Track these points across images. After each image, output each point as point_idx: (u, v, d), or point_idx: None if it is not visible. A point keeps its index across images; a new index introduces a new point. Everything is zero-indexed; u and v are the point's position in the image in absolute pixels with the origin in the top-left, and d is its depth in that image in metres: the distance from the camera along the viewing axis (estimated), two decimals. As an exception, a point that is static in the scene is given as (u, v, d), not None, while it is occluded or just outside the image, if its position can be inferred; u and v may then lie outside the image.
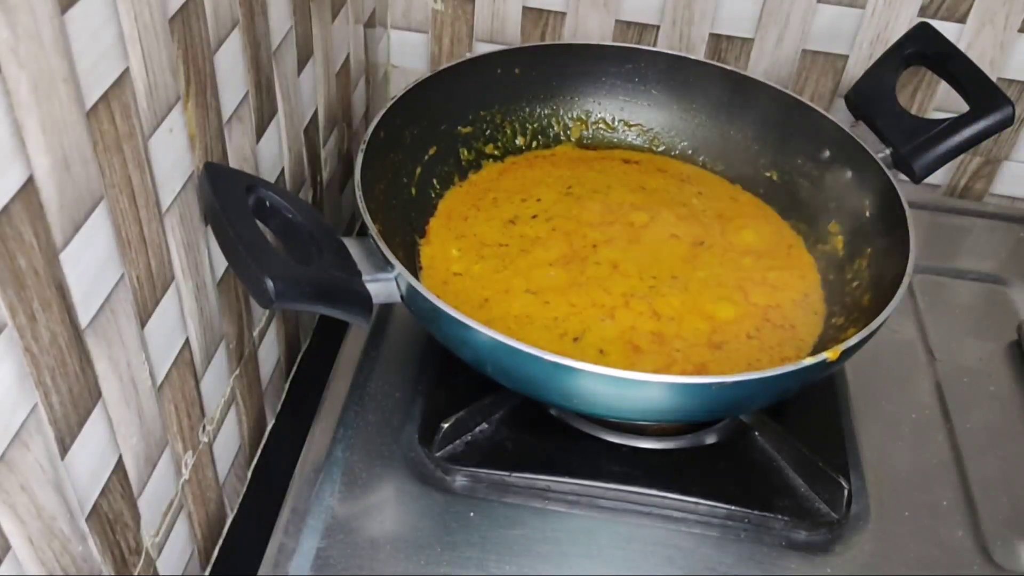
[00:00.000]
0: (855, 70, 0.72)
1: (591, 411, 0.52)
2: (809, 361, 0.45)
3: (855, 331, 0.47)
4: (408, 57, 0.79)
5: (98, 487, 0.38)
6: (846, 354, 0.46)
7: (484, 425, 0.54)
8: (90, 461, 0.37)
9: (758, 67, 0.74)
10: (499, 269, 0.58)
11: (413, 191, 0.61)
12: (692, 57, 0.67)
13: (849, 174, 0.60)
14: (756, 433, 0.54)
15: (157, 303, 0.41)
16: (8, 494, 0.32)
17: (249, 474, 0.58)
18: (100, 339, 0.36)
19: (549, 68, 0.67)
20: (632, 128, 0.69)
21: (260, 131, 0.50)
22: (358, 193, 0.51)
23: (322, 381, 0.58)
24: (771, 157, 0.65)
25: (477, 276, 0.58)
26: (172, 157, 0.40)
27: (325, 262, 0.46)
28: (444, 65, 0.62)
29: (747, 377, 0.44)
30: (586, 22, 0.74)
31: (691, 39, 0.73)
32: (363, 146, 0.54)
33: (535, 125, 0.68)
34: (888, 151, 0.59)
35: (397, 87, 0.80)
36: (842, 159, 0.61)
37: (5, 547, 0.32)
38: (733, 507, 0.51)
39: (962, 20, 0.69)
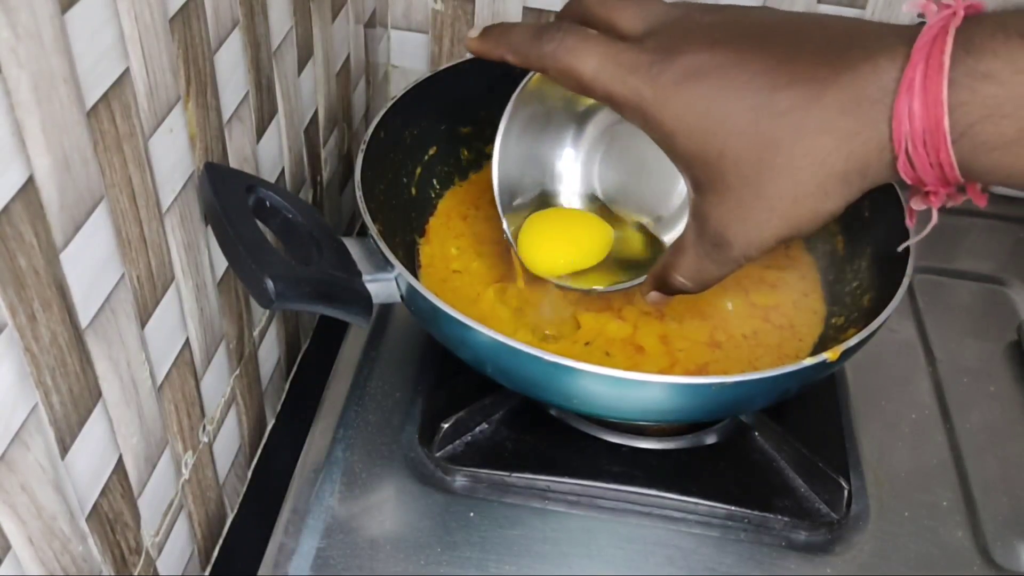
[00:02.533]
0: (855, 70, 0.72)
1: (591, 411, 0.52)
2: (809, 361, 0.45)
3: (855, 331, 0.47)
4: (408, 57, 0.79)
5: (98, 487, 0.38)
6: (846, 354, 0.46)
7: (484, 425, 0.54)
8: (90, 461, 0.37)
9: (758, 67, 0.73)
10: (497, 265, 0.58)
11: (413, 191, 0.61)
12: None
13: (849, 174, 0.60)
14: (756, 433, 0.54)
15: (157, 303, 0.41)
16: (8, 494, 0.32)
17: (249, 474, 0.58)
18: (100, 339, 0.36)
19: (549, 68, 0.67)
20: (632, 128, 0.69)
21: (260, 131, 0.50)
22: (358, 193, 0.51)
23: (322, 381, 0.58)
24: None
25: (476, 272, 0.58)
26: (172, 157, 0.40)
27: (325, 262, 0.46)
28: (444, 65, 0.62)
29: (747, 377, 0.44)
30: (586, 22, 0.73)
31: (691, 39, 0.73)
32: (363, 146, 0.54)
33: (535, 125, 0.68)
34: (888, 151, 0.59)
35: (397, 87, 0.80)
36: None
37: (5, 547, 0.32)
38: (733, 507, 0.51)
39: (962, 20, 0.69)
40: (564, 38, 0.40)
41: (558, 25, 0.41)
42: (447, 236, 0.61)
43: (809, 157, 0.36)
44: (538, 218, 0.55)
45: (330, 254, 0.46)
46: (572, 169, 0.56)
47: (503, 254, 0.59)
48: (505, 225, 0.53)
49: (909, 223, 0.43)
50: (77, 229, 0.33)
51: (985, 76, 0.33)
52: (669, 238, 0.54)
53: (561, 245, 0.53)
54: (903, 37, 0.35)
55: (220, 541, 0.54)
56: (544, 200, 0.57)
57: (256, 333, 0.55)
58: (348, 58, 0.66)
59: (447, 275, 0.58)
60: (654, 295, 0.46)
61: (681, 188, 0.53)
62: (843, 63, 0.35)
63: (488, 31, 0.44)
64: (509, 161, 0.53)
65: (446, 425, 0.52)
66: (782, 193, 0.38)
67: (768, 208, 0.38)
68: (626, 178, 0.56)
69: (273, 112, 0.51)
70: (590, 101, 0.54)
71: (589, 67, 0.39)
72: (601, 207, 0.57)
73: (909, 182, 0.36)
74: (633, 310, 0.56)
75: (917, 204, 0.39)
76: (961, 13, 0.34)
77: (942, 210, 0.38)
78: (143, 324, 0.40)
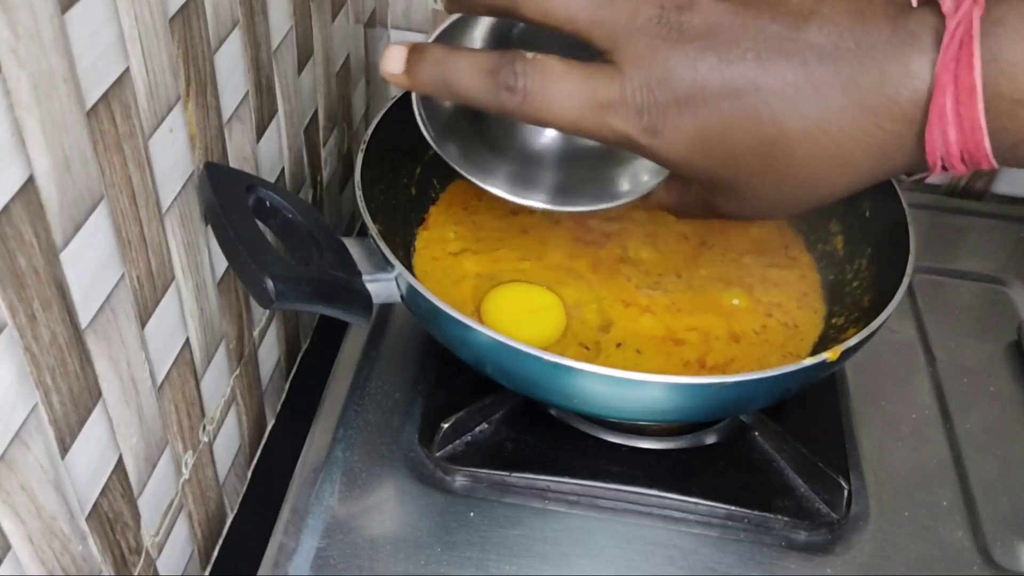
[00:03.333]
0: (855, 70, 0.72)
1: (591, 411, 0.52)
2: (809, 361, 0.45)
3: (855, 331, 0.47)
4: (408, 57, 0.79)
5: (98, 487, 0.38)
6: (846, 354, 0.46)
7: (484, 425, 0.54)
8: (90, 461, 0.37)
9: (758, 67, 0.73)
10: (496, 247, 0.59)
11: (413, 191, 0.61)
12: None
13: (849, 174, 0.60)
14: (756, 433, 0.54)
15: (157, 303, 0.41)
16: (8, 494, 0.32)
17: (249, 474, 0.58)
18: (100, 339, 0.36)
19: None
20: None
21: (260, 131, 0.50)
22: (358, 193, 0.51)
23: (322, 381, 0.58)
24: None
25: (472, 255, 0.58)
26: (172, 157, 0.40)
27: (325, 262, 0.46)
28: (444, 65, 0.62)
29: (747, 378, 0.44)
30: (586, 22, 0.73)
31: (691, 39, 0.73)
32: (363, 146, 0.54)
33: (535, 125, 0.68)
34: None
35: (397, 87, 0.80)
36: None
37: (5, 547, 0.32)
38: (733, 507, 0.51)
39: (962, 20, 0.69)
40: (528, 87, 0.35)
41: (512, 66, 0.35)
42: (447, 222, 0.61)
43: (831, 187, 0.35)
44: (499, 295, 0.56)
45: (330, 254, 0.46)
46: None
47: (503, 238, 0.60)
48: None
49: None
50: (77, 229, 0.33)
51: (1022, 101, 0.30)
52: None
53: (519, 325, 0.54)
54: (917, 41, 0.31)
55: (220, 541, 0.54)
56: (487, 124, 0.46)
57: (256, 333, 0.55)
58: (348, 58, 0.66)
59: (441, 254, 0.59)
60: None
61: None
62: (856, 88, 0.32)
63: (418, 62, 0.37)
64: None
65: (446, 425, 0.52)
66: (800, 204, 0.37)
67: (783, 210, 0.38)
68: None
69: (273, 112, 0.51)
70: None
71: (567, 118, 0.35)
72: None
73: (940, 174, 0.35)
74: (660, 301, 0.56)
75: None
76: (980, 10, 0.30)
77: None
78: (143, 324, 0.40)
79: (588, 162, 0.46)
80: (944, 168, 0.33)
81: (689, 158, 0.35)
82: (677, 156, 0.35)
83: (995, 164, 0.32)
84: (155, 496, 0.44)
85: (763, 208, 0.38)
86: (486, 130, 0.46)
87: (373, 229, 0.49)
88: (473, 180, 0.43)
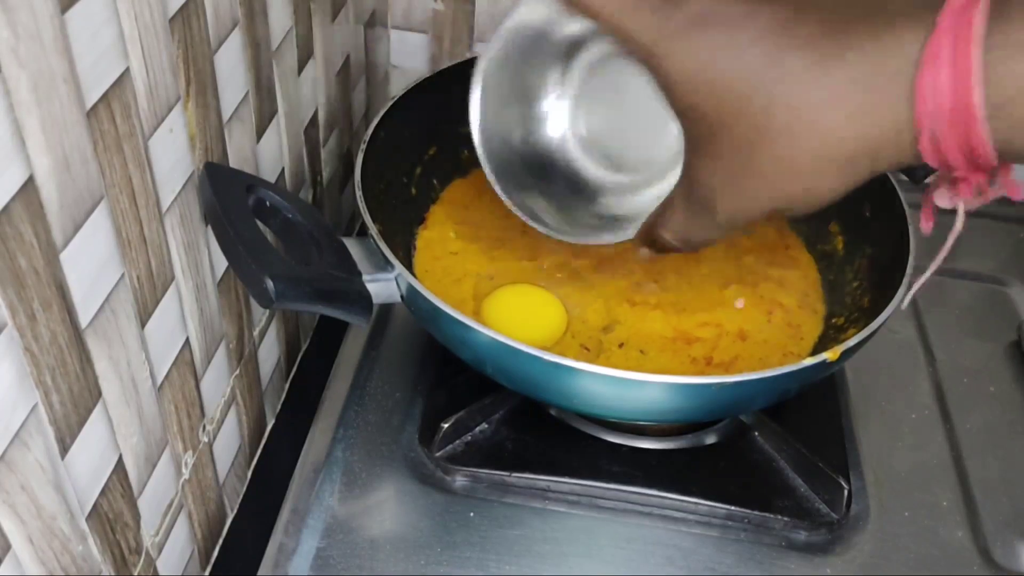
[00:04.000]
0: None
1: (591, 411, 0.52)
2: (809, 361, 0.45)
3: (855, 331, 0.47)
4: (408, 57, 0.79)
5: (98, 487, 0.38)
6: (846, 354, 0.46)
7: (484, 425, 0.54)
8: (90, 461, 0.37)
9: (758, 67, 0.73)
10: (496, 247, 0.59)
11: (413, 191, 0.61)
12: (692, 57, 0.67)
13: (849, 174, 0.60)
14: (756, 433, 0.54)
15: (157, 303, 0.41)
16: (8, 494, 0.32)
17: (249, 474, 0.58)
18: (100, 339, 0.36)
19: (549, 68, 0.67)
20: (632, 128, 0.69)
21: (260, 131, 0.50)
22: (358, 193, 0.51)
23: (322, 381, 0.58)
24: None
25: (471, 253, 0.58)
26: (172, 157, 0.40)
27: (325, 262, 0.46)
28: (444, 65, 0.62)
29: (747, 377, 0.44)
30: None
31: (691, 39, 0.73)
32: (363, 146, 0.54)
33: (535, 125, 0.68)
34: (888, 151, 0.59)
35: (397, 87, 0.80)
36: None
37: (5, 547, 0.32)
38: (733, 507, 0.51)
39: (962, 20, 0.69)
40: None
41: None
42: (447, 222, 0.61)
43: (811, 132, 0.33)
44: (499, 297, 0.56)
45: (330, 254, 0.46)
46: (557, 108, 0.54)
47: (503, 237, 0.60)
48: (489, 171, 0.51)
49: (925, 227, 0.40)
50: (77, 229, 0.33)
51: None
52: (658, 189, 0.52)
53: (519, 325, 0.54)
54: (933, 4, 0.31)
55: (220, 541, 0.54)
56: (529, 145, 0.54)
57: (256, 333, 0.55)
58: (348, 58, 0.66)
59: (442, 254, 0.59)
60: (644, 251, 0.44)
61: (671, 139, 0.52)
62: (865, 30, 0.32)
63: None
64: (491, 104, 0.51)
65: (446, 425, 0.52)
66: (777, 167, 0.34)
67: (759, 179, 0.35)
68: (613, 117, 0.54)
69: (273, 112, 0.51)
70: (575, 32, 0.51)
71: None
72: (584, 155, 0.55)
73: (934, 166, 0.33)
74: (666, 299, 0.56)
75: (942, 199, 0.35)
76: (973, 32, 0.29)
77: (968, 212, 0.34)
78: (143, 324, 0.40)
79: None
80: (935, 144, 0.32)
81: (683, 64, 0.35)
82: (674, 60, 0.35)
83: (984, 134, 0.31)
84: (155, 496, 0.44)
85: (738, 179, 0.36)
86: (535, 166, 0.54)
87: (373, 229, 0.49)
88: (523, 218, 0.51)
